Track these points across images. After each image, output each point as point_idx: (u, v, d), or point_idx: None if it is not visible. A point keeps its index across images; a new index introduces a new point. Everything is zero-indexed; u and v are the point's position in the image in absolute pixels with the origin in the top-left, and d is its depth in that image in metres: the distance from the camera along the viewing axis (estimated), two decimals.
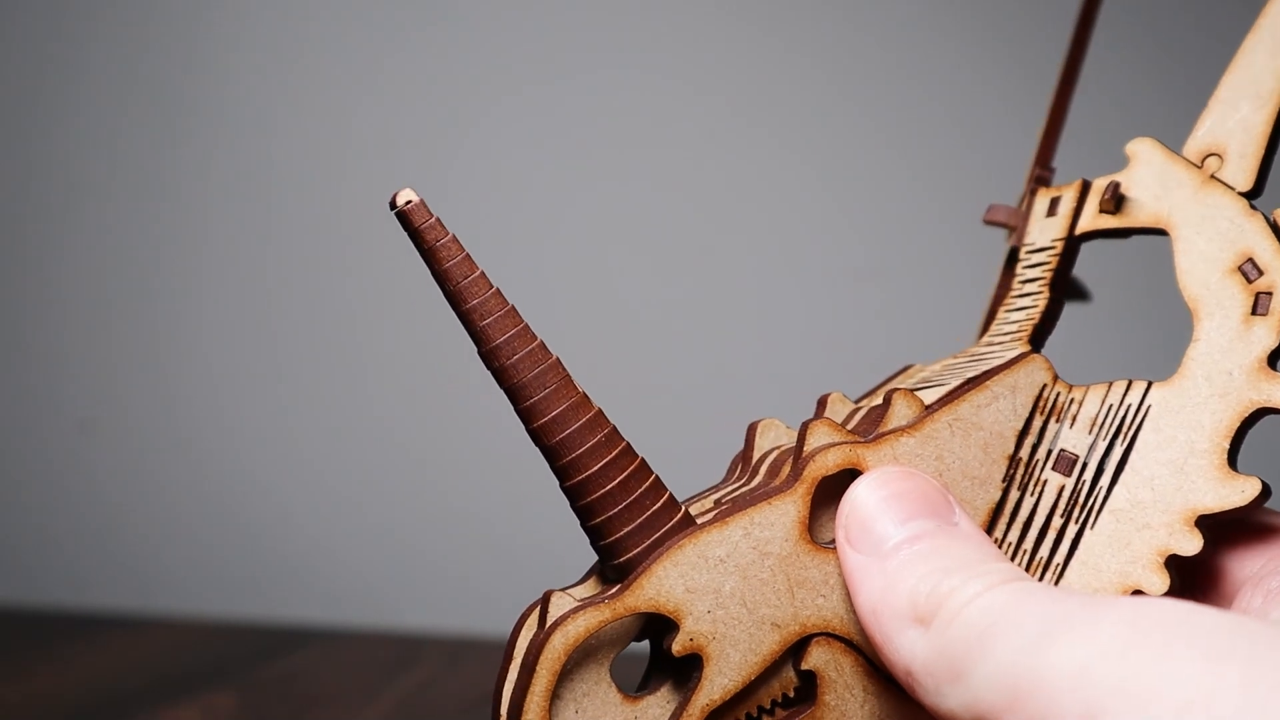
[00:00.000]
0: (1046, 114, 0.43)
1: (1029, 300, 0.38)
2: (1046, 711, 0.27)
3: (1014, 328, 0.38)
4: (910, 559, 0.31)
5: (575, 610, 0.32)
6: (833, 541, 0.34)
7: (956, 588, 0.30)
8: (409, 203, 0.33)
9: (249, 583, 1.07)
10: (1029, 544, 0.35)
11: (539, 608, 0.34)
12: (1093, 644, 0.27)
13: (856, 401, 0.38)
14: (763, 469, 0.36)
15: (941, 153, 0.95)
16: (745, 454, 0.37)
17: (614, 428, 0.33)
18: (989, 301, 0.41)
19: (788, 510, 0.33)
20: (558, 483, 0.34)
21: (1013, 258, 0.41)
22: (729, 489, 0.36)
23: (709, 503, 0.36)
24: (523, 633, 0.34)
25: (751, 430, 0.37)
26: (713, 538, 0.33)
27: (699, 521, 0.34)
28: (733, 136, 0.98)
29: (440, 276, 0.33)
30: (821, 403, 0.38)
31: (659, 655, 0.35)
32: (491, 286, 0.33)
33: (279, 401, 1.06)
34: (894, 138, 0.96)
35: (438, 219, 0.33)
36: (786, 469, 0.34)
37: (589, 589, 0.34)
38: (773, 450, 0.36)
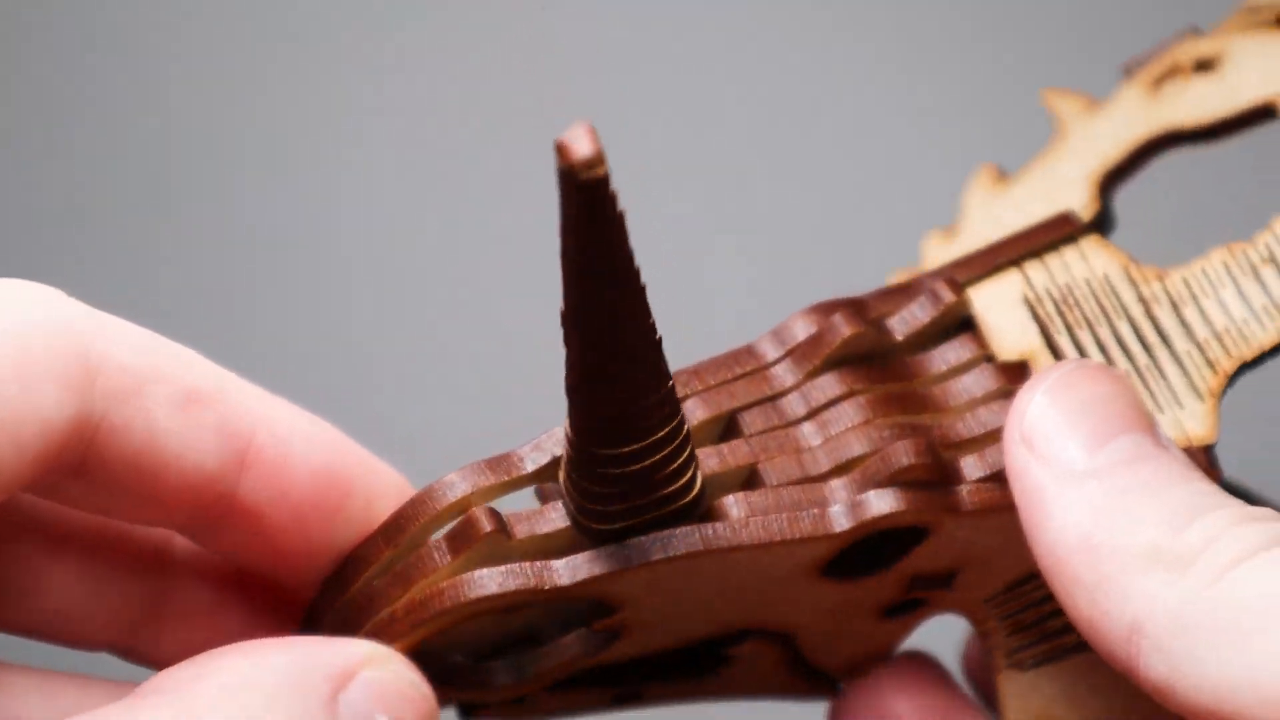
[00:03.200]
0: None
1: None
2: None
3: None
4: (1143, 483, 0.27)
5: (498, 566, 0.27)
6: (832, 571, 0.29)
7: (1223, 531, 0.26)
8: (596, 160, 0.22)
9: None
10: None
11: (464, 517, 0.27)
12: None
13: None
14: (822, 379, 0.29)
15: None
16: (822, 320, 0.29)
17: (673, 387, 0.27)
18: None
19: (815, 549, 0.28)
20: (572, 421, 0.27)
21: None
22: (756, 400, 0.29)
23: (697, 384, 0.29)
24: (428, 522, 0.27)
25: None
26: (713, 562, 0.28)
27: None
28: None
29: (609, 251, 0.24)
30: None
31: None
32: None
33: None
34: None
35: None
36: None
37: (541, 524, 0.28)
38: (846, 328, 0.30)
